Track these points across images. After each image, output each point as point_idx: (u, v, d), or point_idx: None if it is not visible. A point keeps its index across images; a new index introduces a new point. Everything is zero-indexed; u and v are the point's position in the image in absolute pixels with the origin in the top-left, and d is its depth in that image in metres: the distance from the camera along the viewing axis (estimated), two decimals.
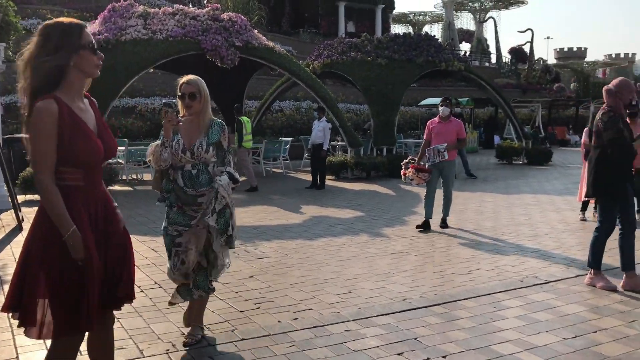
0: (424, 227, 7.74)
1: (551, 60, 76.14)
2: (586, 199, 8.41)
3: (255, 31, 14.43)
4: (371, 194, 11.57)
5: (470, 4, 55.31)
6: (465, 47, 55.52)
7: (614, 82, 5.34)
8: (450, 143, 7.82)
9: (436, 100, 26.91)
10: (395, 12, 52.20)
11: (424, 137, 8.09)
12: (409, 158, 8.02)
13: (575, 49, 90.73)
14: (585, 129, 8.64)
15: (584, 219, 8.46)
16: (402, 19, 60.71)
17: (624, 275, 5.12)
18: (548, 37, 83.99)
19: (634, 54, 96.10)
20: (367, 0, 42.37)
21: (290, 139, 17.37)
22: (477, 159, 19.91)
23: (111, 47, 11.82)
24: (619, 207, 5.12)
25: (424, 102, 25.38)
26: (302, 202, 10.48)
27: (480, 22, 54.33)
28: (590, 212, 8.66)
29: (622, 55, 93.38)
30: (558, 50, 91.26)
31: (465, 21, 60.14)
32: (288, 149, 16.40)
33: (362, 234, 7.57)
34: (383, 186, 12.69)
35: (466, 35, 57.72)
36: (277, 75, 19.79)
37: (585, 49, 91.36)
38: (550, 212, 9.28)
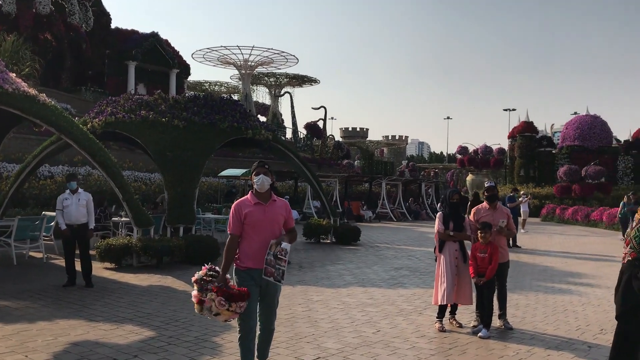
0: None
1: (338, 138, 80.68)
2: (442, 303, 6.72)
3: (13, 75, 11.00)
4: (165, 294, 8.68)
5: (266, 78, 55.92)
6: (261, 120, 55.57)
7: None
8: (283, 236, 4.63)
9: (237, 171, 24.88)
10: (190, 79, 50.35)
11: (229, 229, 4.65)
12: (206, 269, 4.51)
13: (358, 129, 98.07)
14: (439, 213, 7.07)
15: (442, 329, 6.68)
16: (198, 87, 59.06)
17: None
18: (332, 118, 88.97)
19: (407, 136, 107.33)
20: (161, 63, 39.81)
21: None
22: None
23: None
24: None
25: (224, 173, 23.20)
26: (59, 312, 7.22)
27: (276, 97, 55.01)
28: (446, 319, 6.95)
29: (397, 137, 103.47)
30: (343, 129, 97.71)
31: (261, 95, 60.66)
32: (54, 226, 12.70)
33: None
34: (180, 279, 9.88)
35: (262, 109, 57.93)
36: (47, 134, 16.06)
37: (367, 129, 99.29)
38: (396, 316, 7.42)
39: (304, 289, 9.25)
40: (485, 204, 7.05)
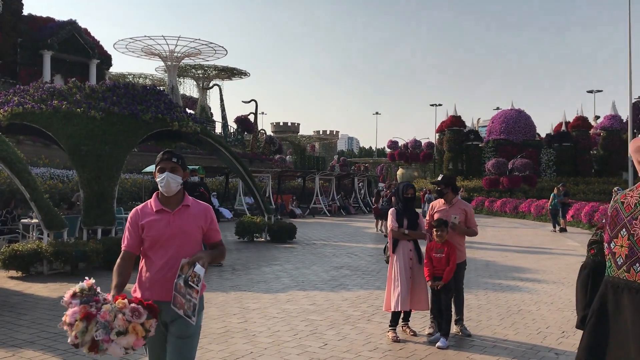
0: None
1: (269, 132, 79.50)
2: (396, 310, 6.04)
3: None
4: None
5: (193, 70, 54.01)
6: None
7: None
8: (200, 254, 3.25)
9: None
10: (112, 71, 47.84)
11: (124, 244, 3.38)
12: (89, 282, 3.09)
13: (290, 124, 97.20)
14: (392, 209, 6.38)
15: (396, 339, 6.00)
16: (121, 79, 56.20)
17: None
18: (263, 112, 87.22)
19: (337, 131, 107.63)
20: (80, 53, 37.37)
21: None
22: None
23: None
24: None
25: (148, 169, 21.77)
26: None
27: (204, 89, 53.23)
28: (398, 325, 6.28)
29: (328, 132, 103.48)
30: (275, 124, 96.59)
31: (188, 87, 58.55)
32: None
33: None
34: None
35: (189, 102, 55.92)
36: None
37: (299, 124, 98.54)
38: (343, 324, 6.69)
39: (239, 296, 8.38)
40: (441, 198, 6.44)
